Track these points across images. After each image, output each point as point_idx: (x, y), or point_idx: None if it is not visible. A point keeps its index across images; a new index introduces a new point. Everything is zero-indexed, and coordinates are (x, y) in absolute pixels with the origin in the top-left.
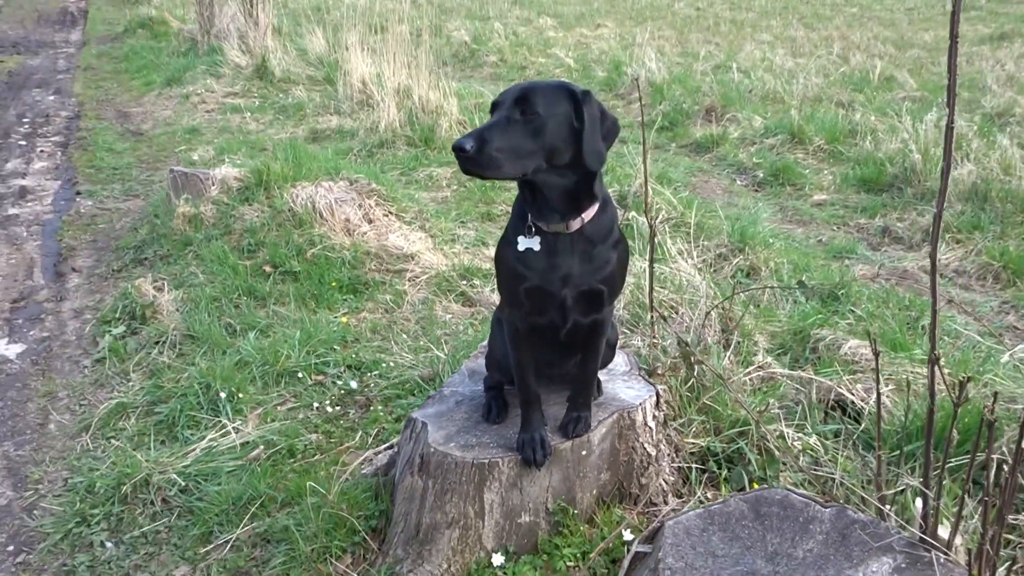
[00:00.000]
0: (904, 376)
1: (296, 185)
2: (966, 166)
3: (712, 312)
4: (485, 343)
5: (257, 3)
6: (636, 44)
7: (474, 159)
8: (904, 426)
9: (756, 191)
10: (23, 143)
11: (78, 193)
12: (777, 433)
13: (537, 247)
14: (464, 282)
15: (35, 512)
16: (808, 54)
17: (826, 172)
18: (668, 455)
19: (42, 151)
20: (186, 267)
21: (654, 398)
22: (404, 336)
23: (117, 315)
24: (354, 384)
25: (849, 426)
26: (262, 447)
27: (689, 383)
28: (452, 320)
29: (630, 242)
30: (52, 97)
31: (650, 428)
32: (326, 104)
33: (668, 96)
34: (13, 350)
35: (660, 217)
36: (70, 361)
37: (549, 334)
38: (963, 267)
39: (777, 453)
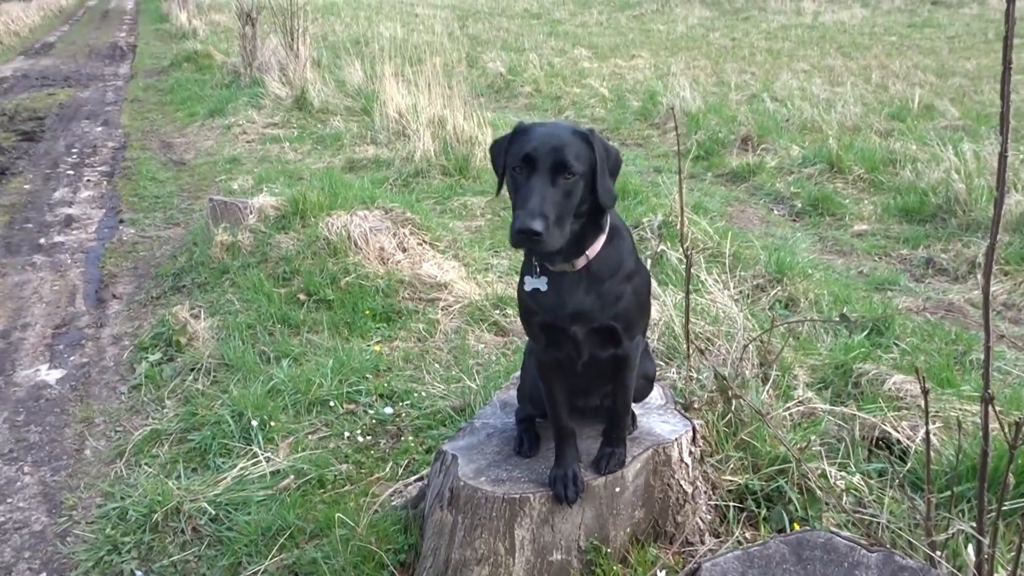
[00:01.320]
0: (953, 414)
1: (332, 214)
2: (1015, 196)
3: (750, 345)
4: (517, 374)
5: (298, 37)
6: (671, 74)
7: (546, 239)
8: (954, 467)
9: (794, 221)
10: (71, 173)
11: (121, 221)
12: (819, 471)
13: (544, 287)
14: (497, 311)
15: (68, 539)
16: (846, 83)
17: (866, 202)
18: (705, 492)
19: (88, 180)
20: (222, 295)
21: (690, 433)
22: (436, 365)
23: (154, 342)
24: (388, 411)
25: (895, 465)
26: (292, 476)
27: (727, 418)
28: (484, 350)
29: (664, 274)
30: (100, 128)
31: (686, 464)
32: (363, 134)
33: (703, 125)
34: (54, 375)
35: (696, 247)
36: (107, 387)
37: (569, 366)
38: (1012, 300)
39: (819, 493)
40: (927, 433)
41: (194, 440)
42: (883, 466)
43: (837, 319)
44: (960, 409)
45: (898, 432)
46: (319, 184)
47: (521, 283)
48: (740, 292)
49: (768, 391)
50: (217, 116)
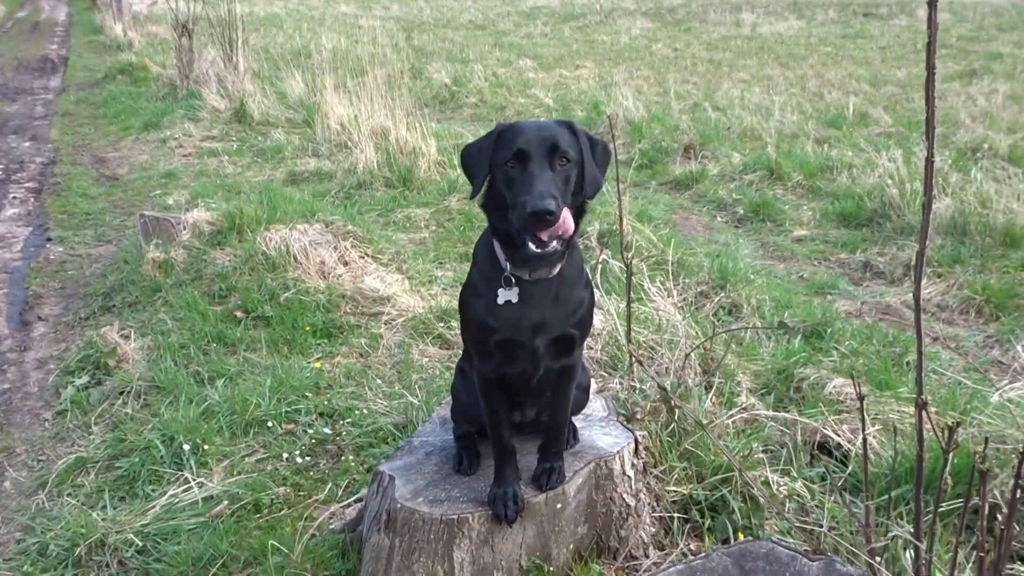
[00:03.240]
0: (891, 416)
1: (270, 228)
2: (944, 200)
3: (692, 353)
4: None
5: (236, 48)
6: (615, 84)
7: (558, 217)
8: (892, 469)
9: (736, 227)
10: None
11: (48, 239)
12: (762, 479)
13: (516, 298)
14: (441, 324)
15: None
16: (784, 92)
17: (805, 207)
18: (648, 504)
19: (14, 197)
20: (154, 314)
21: (632, 445)
22: (379, 381)
23: (81, 365)
24: (327, 430)
25: (835, 469)
26: (226, 502)
27: (670, 427)
28: (428, 364)
29: (608, 283)
30: (28, 143)
31: (629, 477)
32: (304, 147)
33: (647, 134)
34: None
35: (640, 256)
36: (31, 414)
37: (519, 383)
38: (945, 301)
39: (762, 501)
40: (864, 441)
41: (122, 467)
42: (824, 471)
43: (776, 326)
44: (898, 411)
45: (839, 436)
46: (258, 198)
47: (470, 299)
48: (684, 300)
49: (711, 399)
50: (152, 130)
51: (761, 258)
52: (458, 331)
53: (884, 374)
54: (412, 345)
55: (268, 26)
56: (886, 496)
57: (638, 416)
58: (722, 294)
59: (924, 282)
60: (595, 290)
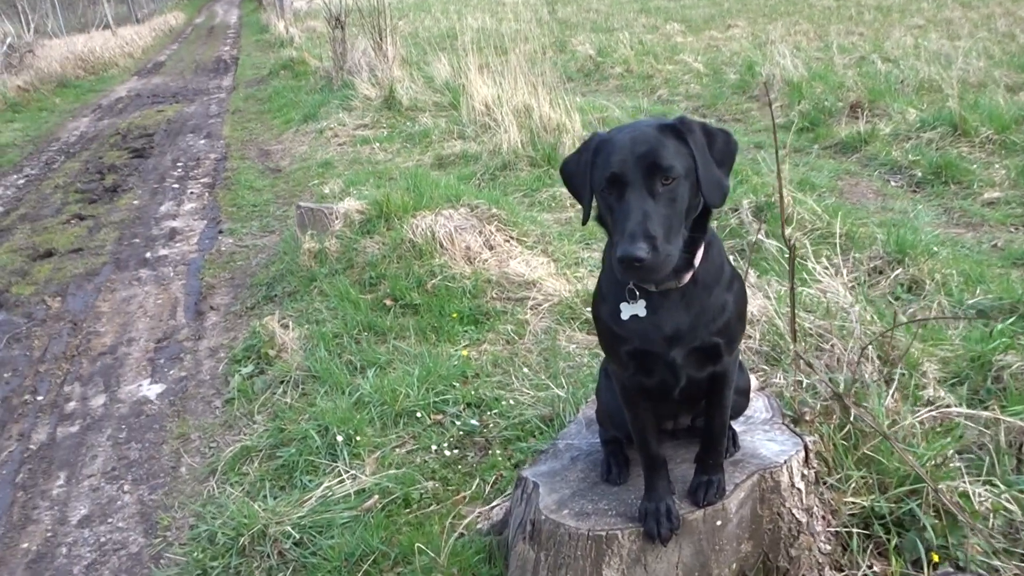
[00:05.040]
0: None
1: (416, 215)
2: None
3: (870, 345)
4: None
5: (386, 36)
6: (770, 42)
7: (652, 265)
8: None
9: (914, 192)
10: (176, 186)
11: (220, 232)
12: (959, 490)
13: (643, 311)
14: (588, 309)
15: (162, 562)
16: (966, 36)
17: (997, 166)
18: (823, 519)
19: (192, 192)
20: (311, 303)
21: (802, 453)
22: (525, 370)
23: (247, 354)
24: (474, 422)
25: None
26: (376, 496)
27: (844, 430)
28: (575, 350)
29: (764, 263)
30: (203, 141)
31: (799, 490)
32: (451, 129)
33: (807, 94)
34: (154, 390)
35: (803, 229)
36: (203, 402)
37: (661, 393)
38: None
39: (960, 517)
40: None
41: (282, 457)
42: None
43: (972, 314)
44: None
45: None
46: (405, 184)
47: (599, 306)
48: (855, 278)
49: (892, 395)
50: (311, 121)
51: (945, 226)
52: None
53: None
54: (559, 331)
55: (416, 11)
56: None
57: (807, 418)
58: (899, 269)
59: None
60: (750, 273)
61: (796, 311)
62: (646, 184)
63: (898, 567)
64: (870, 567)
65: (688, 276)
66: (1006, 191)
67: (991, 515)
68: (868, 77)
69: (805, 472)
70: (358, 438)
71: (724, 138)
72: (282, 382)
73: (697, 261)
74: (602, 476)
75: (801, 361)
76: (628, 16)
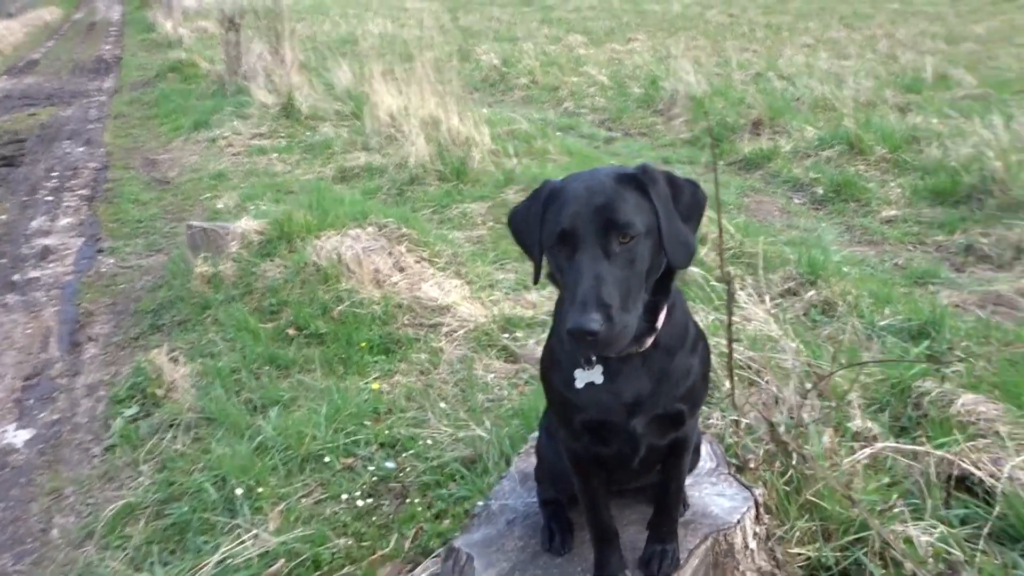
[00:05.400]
0: None
1: (320, 235)
2: None
3: (809, 389)
4: (535, 435)
5: (283, 40)
6: (671, 56)
7: (606, 338)
8: None
9: (817, 209)
10: (50, 199)
11: (99, 251)
12: (903, 537)
13: (600, 378)
14: (505, 335)
15: None
16: (854, 56)
17: (892, 184)
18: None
19: (68, 206)
20: (204, 334)
21: (753, 509)
22: (442, 404)
23: (130, 393)
24: (389, 465)
25: (979, 509)
26: (283, 560)
27: (787, 475)
28: (494, 381)
29: (687, 290)
30: (81, 148)
31: (751, 551)
32: (354, 140)
33: (710, 110)
34: (21, 437)
35: (716, 249)
36: (80, 449)
37: (617, 463)
38: None
39: (909, 565)
40: None
41: (172, 515)
42: (967, 511)
43: (924, 361)
44: None
45: (979, 469)
46: (307, 201)
47: (550, 370)
48: (776, 305)
49: (829, 434)
50: (202, 129)
51: (848, 244)
52: (523, 342)
53: (1017, 387)
54: (475, 359)
55: (314, 14)
56: None
57: (751, 466)
58: (812, 291)
59: None
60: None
61: (732, 352)
62: (601, 242)
63: None
64: None
65: (650, 340)
66: (902, 209)
67: (934, 559)
68: (767, 94)
69: (757, 530)
70: (260, 489)
71: (691, 190)
72: (172, 425)
73: (660, 324)
74: (543, 544)
75: (739, 397)
76: (530, 26)
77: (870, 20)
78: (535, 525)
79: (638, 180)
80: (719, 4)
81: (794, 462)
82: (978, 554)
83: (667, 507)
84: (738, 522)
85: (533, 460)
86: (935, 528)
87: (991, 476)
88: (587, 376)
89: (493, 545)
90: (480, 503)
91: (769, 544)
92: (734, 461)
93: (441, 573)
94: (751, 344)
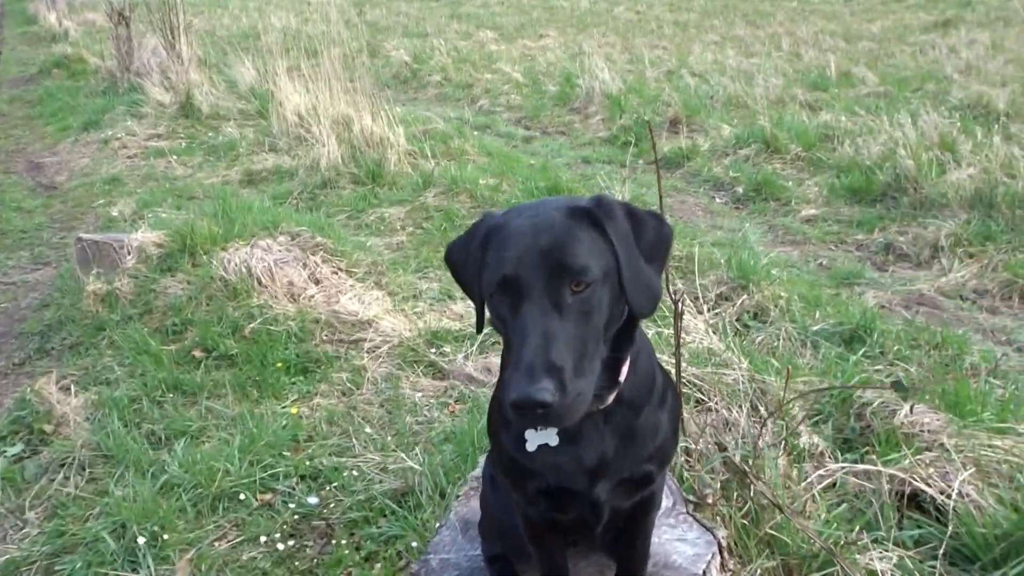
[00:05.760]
0: (984, 454)
1: (227, 247)
2: (964, 170)
3: (767, 421)
4: (475, 472)
5: (179, 35)
6: (583, 53)
7: (558, 411)
8: (1007, 532)
9: (738, 208)
10: None
11: None
12: (866, 568)
13: (555, 440)
14: (432, 350)
15: None
16: (759, 53)
17: (809, 183)
18: None
19: None
20: (99, 358)
21: (717, 556)
22: (368, 429)
23: (14, 429)
24: (312, 500)
25: (932, 528)
26: None
27: (745, 508)
28: (423, 400)
29: None
30: None
31: None
32: (260, 141)
33: (626, 108)
34: None
35: None
36: None
37: (577, 529)
38: (983, 285)
39: None
40: None
41: (63, 571)
42: (920, 531)
43: (891, 386)
44: (991, 447)
45: (929, 486)
46: (211, 209)
47: (498, 428)
48: (711, 311)
49: (781, 456)
50: (93, 129)
51: (772, 244)
52: (451, 357)
53: (956, 396)
54: (401, 377)
55: (212, 7)
56: (1007, 568)
57: (709, 500)
58: (744, 296)
59: (956, 265)
60: None
61: (680, 376)
62: (550, 292)
63: None
64: None
65: (612, 396)
66: (821, 208)
67: None
68: (681, 91)
69: None
70: (165, 536)
71: (654, 224)
72: (63, 465)
73: (623, 377)
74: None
75: (690, 422)
76: (440, 22)
77: (771, 18)
78: None
79: (592, 215)
80: (626, 1)
81: (752, 494)
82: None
83: (632, 568)
84: (704, 573)
85: (473, 504)
86: (891, 553)
87: (942, 493)
88: (540, 438)
89: None
90: (415, 565)
91: None
92: (691, 498)
93: None
94: (693, 359)
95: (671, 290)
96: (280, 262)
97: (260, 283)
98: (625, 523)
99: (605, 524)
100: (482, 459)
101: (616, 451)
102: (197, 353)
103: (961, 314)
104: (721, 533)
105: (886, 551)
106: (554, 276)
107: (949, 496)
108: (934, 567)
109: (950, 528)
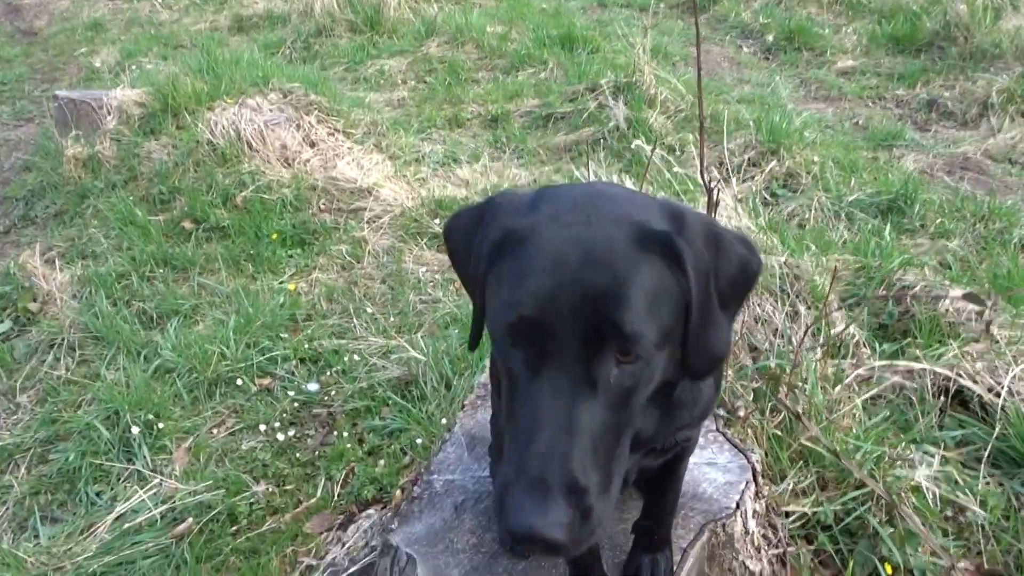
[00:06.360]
0: None
1: (214, 106)
2: (1014, 19)
3: (804, 321)
4: (482, 378)
5: None
6: None
7: (574, 545)
8: None
9: (767, 59)
10: None
11: None
12: (910, 483)
13: None
14: (436, 220)
15: None
16: None
17: (847, 30)
18: (765, 540)
19: None
20: (84, 229)
21: (752, 483)
22: (369, 307)
23: (2, 305)
24: (312, 387)
25: (976, 429)
26: (191, 519)
27: (780, 419)
28: (427, 276)
29: (634, 169)
30: None
31: (751, 534)
32: None
33: None
34: None
35: (666, 111)
36: None
37: None
38: None
39: (918, 526)
40: None
41: (58, 458)
42: (964, 432)
43: (965, 296)
44: None
45: (977, 383)
46: (195, 64)
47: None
48: (740, 180)
49: (818, 356)
50: None
51: (804, 100)
52: None
53: (1009, 279)
54: (404, 250)
55: None
56: None
57: (740, 414)
58: (774, 161)
59: (1007, 124)
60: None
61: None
62: (586, 357)
63: None
64: None
65: None
66: (859, 59)
67: (941, 505)
68: None
69: (756, 507)
70: (160, 425)
71: (742, 256)
72: (52, 346)
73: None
74: (502, 543)
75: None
76: None
77: None
78: (491, 512)
79: (670, 246)
80: None
81: (787, 400)
82: (978, 483)
83: (662, 514)
84: (738, 506)
85: (480, 417)
86: (932, 458)
87: (989, 391)
88: None
89: (439, 543)
90: (418, 488)
91: (769, 519)
92: (721, 413)
93: (377, 570)
94: None
95: (706, 178)
96: (271, 123)
97: (251, 147)
98: (657, 470)
99: (634, 482)
100: (487, 362)
101: (645, 429)
102: (187, 224)
103: (1009, 179)
104: (755, 456)
105: (928, 455)
106: (596, 335)
107: (998, 394)
108: (977, 471)
109: (997, 429)
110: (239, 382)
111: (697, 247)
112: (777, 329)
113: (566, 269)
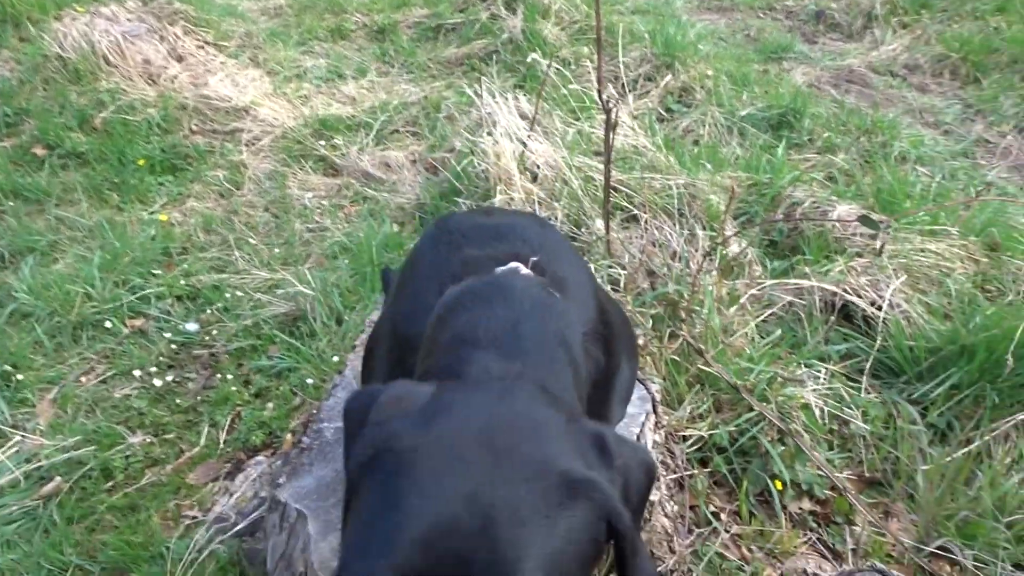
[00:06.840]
0: (917, 260)
1: (61, 16)
2: None
3: (708, 254)
4: (376, 317)
5: None
6: None
7: None
8: (936, 346)
9: None
10: None
11: None
12: (800, 401)
13: None
14: (321, 142)
15: None
16: None
17: None
18: (663, 466)
19: None
20: None
21: (651, 415)
22: (251, 238)
23: None
24: (192, 327)
25: (860, 344)
26: (59, 479)
27: (678, 343)
28: (313, 202)
29: (531, 85)
30: None
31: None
32: None
33: None
34: None
35: (560, 22)
36: None
37: None
38: (914, 60)
39: (807, 441)
40: None
41: None
42: (848, 346)
43: (859, 219)
44: (923, 250)
45: (861, 298)
46: None
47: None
48: (636, 96)
49: (714, 278)
50: None
51: (697, 11)
52: (344, 150)
53: (891, 195)
54: (287, 174)
55: None
56: (931, 383)
57: (640, 342)
58: (668, 75)
59: (889, 36)
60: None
61: (610, 185)
62: None
63: (744, 504)
64: (716, 515)
65: None
66: None
67: (826, 420)
68: None
69: (656, 438)
70: (19, 376)
71: (640, 465)
72: None
73: None
74: None
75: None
76: None
77: None
78: None
79: (594, 499)
80: None
81: (686, 332)
82: (861, 393)
83: None
84: (638, 439)
85: None
86: (819, 373)
87: (872, 304)
88: None
89: (332, 496)
90: (307, 439)
91: (668, 446)
92: None
93: (267, 524)
94: (619, 163)
95: (603, 97)
96: (131, 35)
97: (108, 62)
98: None
99: None
100: (379, 297)
101: None
102: (38, 151)
103: (891, 92)
104: (655, 386)
105: (815, 371)
106: None
107: (879, 308)
108: (859, 383)
109: (878, 341)
110: (108, 324)
111: (613, 487)
112: (675, 252)
113: (457, 516)
